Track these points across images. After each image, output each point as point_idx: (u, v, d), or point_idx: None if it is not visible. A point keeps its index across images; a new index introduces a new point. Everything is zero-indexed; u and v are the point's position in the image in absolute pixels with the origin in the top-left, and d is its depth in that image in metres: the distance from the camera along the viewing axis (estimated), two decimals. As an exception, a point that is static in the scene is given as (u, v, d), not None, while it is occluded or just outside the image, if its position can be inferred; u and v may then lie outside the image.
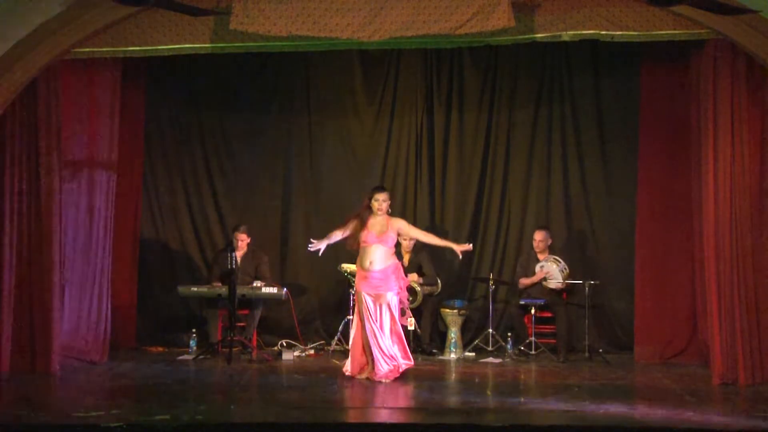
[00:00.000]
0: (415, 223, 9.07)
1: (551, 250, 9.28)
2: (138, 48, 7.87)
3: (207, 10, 7.41)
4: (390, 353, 7.49)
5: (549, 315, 9.19)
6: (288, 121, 10.07)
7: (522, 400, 6.94)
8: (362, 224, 7.63)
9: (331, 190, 9.95)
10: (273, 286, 9.04)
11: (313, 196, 9.99)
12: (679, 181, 8.76)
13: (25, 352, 7.78)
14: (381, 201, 7.65)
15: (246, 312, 9.18)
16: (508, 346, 9.04)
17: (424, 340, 9.18)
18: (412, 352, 7.83)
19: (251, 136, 10.03)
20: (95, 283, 8.50)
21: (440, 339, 9.43)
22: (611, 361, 8.72)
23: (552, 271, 9.06)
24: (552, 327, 9.17)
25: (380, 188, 7.86)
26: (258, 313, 9.18)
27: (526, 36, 7.69)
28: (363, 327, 7.58)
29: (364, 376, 7.55)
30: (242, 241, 9.30)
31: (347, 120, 10.06)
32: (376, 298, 7.55)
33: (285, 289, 9.05)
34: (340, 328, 9.21)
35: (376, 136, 10.01)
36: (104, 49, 7.88)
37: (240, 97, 10.01)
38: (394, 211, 7.96)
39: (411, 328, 8.65)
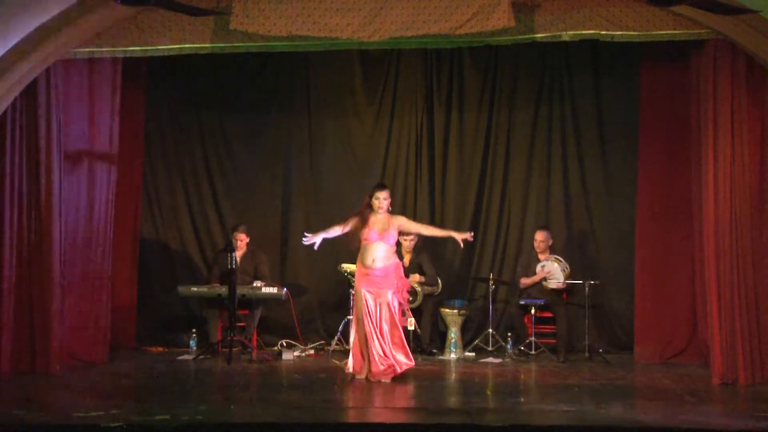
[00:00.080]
0: (414, 222, 9.07)
1: (552, 250, 9.28)
2: (138, 48, 7.88)
3: (207, 10, 7.42)
4: (385, 353, 7.46)
5: (549, 315, 9.19)
6: (288, 121, 10.07)
7: (522, 400, 6.95)
8: (363, 222, 7.62)
9: (331, 190, 9.95)
10: (273, 286, 9.04)
11: (313, 196, 9.99)
12: (679, 181, 8.75)
13: (25, 352, 7.77)
14: (381, 199, 7.65)
15: (246, 312, 9.18)
16: (508, 346, 9.04)
17: (424, 340, 9.18)
18: (412, 352, 7.81)
19: (251, 136, 10.03)
20: (95, 283, 8.49)
21: (440, 339, 9.43)
22: (611, 361, 8.72)
23: (553, 271, 9.06)
24: (552, 327, 9.17)
25: (380, 186, 7.84)
26: (258, 313, 9.18)
27: (526, 36, 7.69)
28: (360, 325, 7.56)
29: (362, 376, 7.55)
30: (241, 241, 9.29)
31: (347, 120, 10.06)
32: (377, 296, 7.53)
33: (285, 289, 9.05)
34: (340, 328, 9.21)
35: (376, 136, 10.02)
36: (104, 49, 7.89)
37: (240, 97, 10.01)
38: (394, 211, 7.95)
39: (411, 328, 8.64)
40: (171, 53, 7.93)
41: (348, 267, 8.84)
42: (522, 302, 9.19)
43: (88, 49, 7.86)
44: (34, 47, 7.55)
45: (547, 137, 9.79)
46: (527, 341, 9.07)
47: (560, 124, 9.75)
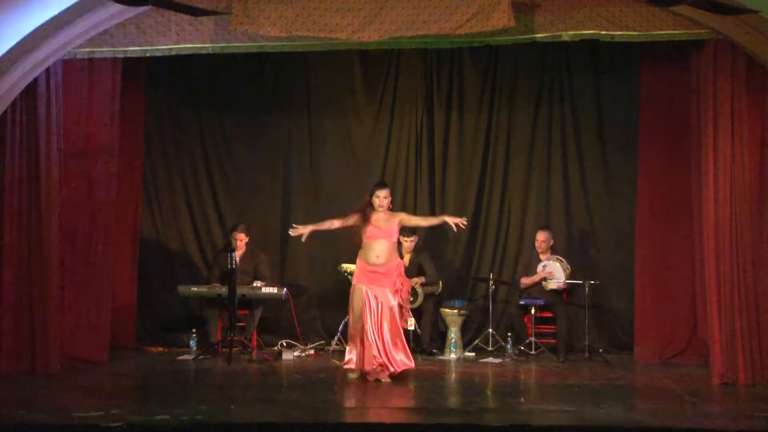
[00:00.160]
0: (414, 223, 9.06)
1: (553, 250, 9.28)
2: (138, 48, 7.89)
3: (207, 10, 7.41)
4: (379, 352, 7.43)
5: (549, 315, 9.19)
6: (288, 121, 10.07)
7: (522, 400, 6.95)
8: (365, 220, 7.60)
9: (331, 190, 9.94)
10: (273, 286, 9.04)
11: (313, 196, 9.99)
12: (679, 181, 8.75)
13: (25, 352, 7.78)
14: (382, 197, 7.63)
15: (246, 312, 9.17)
16: (508, 346, 9.04)
17: (424, 340, 9.18)
18: (412, 352, 7.81)
19: (251, 136, 10.03)
20: (95, 283, 8.49)
21: (440, 339, 9.43)
22: (611, 361, 8.72)
23: (555, 271, 9.05)
24: (552, 327, 9.17)
25: (381, 185, 7.82)
26: (258, 313, 9.18)
27: (526, 36, 7.70)
28: (357, 321, 7.54)
29: (356, 371, 7.55)
30: (241, 240, 9.29)
31: (347, 120, 10.06)
32: (379, 294, 7.50)
33: (285, 289, 9.05)
34: (340, 328, 9.20)
35: (376, 136, 10.01)
36: (104, 49, 7.89)
37: (240, 97, 10.01)
38: (394, 210, 7.93)
39: (411, 328, 8.65)
40: (171, 53, 7.93)
41: (348, 267, 8.84)
42: (522, 302, 9.18)
43: (88, 49, 7.86)
44: (34, 47, 7.56)
45: (547, 137, 9.78)
46: (527, 341, 9.07)
47: (560, 124, 9.75)
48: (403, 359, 7.52)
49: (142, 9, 7.58)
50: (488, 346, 9.20)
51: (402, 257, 8.76)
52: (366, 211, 7.64)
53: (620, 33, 7.63)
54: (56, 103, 7.96)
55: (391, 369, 7.44)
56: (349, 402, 7.02)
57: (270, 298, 9.06)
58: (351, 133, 10.07)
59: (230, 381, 7.73)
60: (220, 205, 10.03)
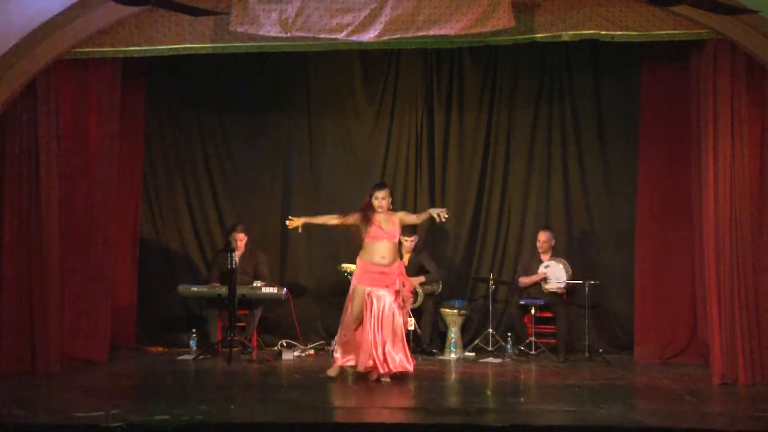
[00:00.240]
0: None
1: (554, 250, 9.27)
2: (138, 48, 7.89)
3: (207, 10, 7.42)
4: (378, 354, 7.42)
5: (549, 315, 9.19)
6: (288, 121, 10.07)
7: (522, 400, 6.95)
8: (367, 221, 7.59)
9: (331, 190, 9.94)
10: (273, 286, 9.04)
11: (313, 196, 9.98)
12: (679, 181, 8.75)
13: (25, 352, 7.78)
14: (380, 198, 7.61)
15: (246, 312, 9.17)
16: (508, 346, 9.04)
17: (424, 340, 9.18)
18: (412, 352, 7.81)
19: (251, 136, 10.03)
20: (95, 283, 8.48)
21: (440, 339, 9.43)
22: (611, 361, 8.72)
23: (558, 272, 9.04)
24: (552, 327, 9.17)
25: (379, 186, 7.79)
26: (258, 313, 9.18)
27: (526, 36, 7.70)
28: (353, 322, 7.54)
29: (348, 366, 7.57)
30: (240, 240, 9.29)
31: (347, 120, 10.06)
32: (380, 295, 7.49)
33: (285, 289, 9.05)
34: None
35: (376, 136, 10.01)
36: (104, 49, 7.90)
37: (240, 97, 10.01)
38: (394, 210, 7.92)
39: (411, 328, 8.64)
40: (171, 53, 7.94)
41: (348, 267, 8.83)
42: (522, 302, 9.18)
43: (88, 49, 7.87)
44: (34, 47, 7.56)
45: (547, 137, 9.78)
46: (527, 341, 9.07)
47: (560, 124, 9.75)
48: (402, 361, 7.48)
49: (142, 9, 7.58)
50: (488, 346, 9.20)
51: (401, 257, 8.76)
52: (367, 212, 7.63)
53: (620, 33, 7.63)
54: (56, 103, 7.96)
55: (387, 369, 7.42)
56: (349, 402, 7.01)
57: (270, 298, 9.06)
58: (351, 133, 10.07)
59: (230, 381, 7.73)
60: (220, 205, 10.02)
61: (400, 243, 8.41)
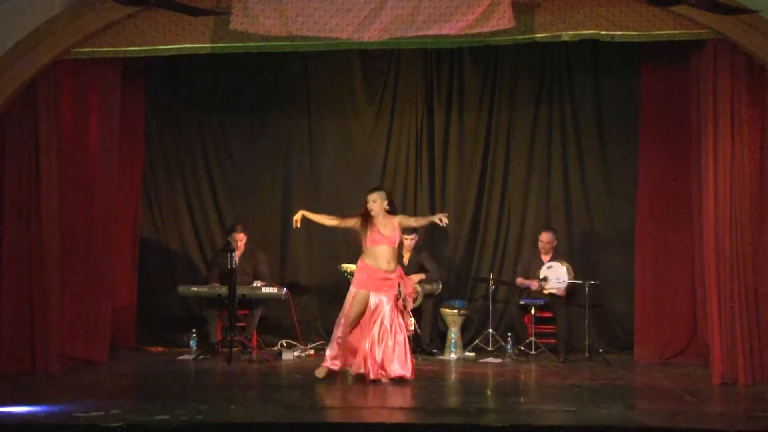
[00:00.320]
0: (414, 223, 9.05)
1: (555, 251, 9.27)
2: (138, 48, 7.89)
3: (207, 10, 7.42)
4: (373, 358, 7.39)
5: (549, 315, 9.19)
6: (288, 121, 10.07)
7: (522, 400, 6.95)
8: (368, 224, 7.56)
9: (331, 190, 9.94)
10: (273, 286, 9.04)
11: (313, 196, 9.97)
12: (679, 181, 8.75)
13: (25, 352, 7.78)
14: (370, 202, 7.58)
15: (246, 312, 9.17)
16: (508, 346, 9.04)
17: (424, 340, 9.18)
18: (412, 352, 7.79)
19: (251, 136, 10.04)
20: (95, 283, 8.49)
21: (440, 339, 9.43)
22: (611, 361, 8.72)
23: (561, 274, 9.03)
24: (552, 327, 9.17)
25: (371, 189, 7.75)
26: (258, 313, 9.18)
27: (526, 36, 7.69)
28: (349, 325, 7.53)
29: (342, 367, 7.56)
30: (240, 240, 9.29)
31: (347, 120, 10.06)
32: (383, 300, 7.47)
33: (285, 289, 9.05)
34: (340, 328, 9.20)
35: (376, 136, 10.01)
36: (104, 49, 7.89)
37: (240, 97, 10.01)
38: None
39: (411, 328, 8.64)
40: (171, 53, 7.93)
41: (348, 267, 8.83)
42: (522, 302, 9.18)
43: (88, 49, 7.86)
44: (34, 47, 7.56)
45: (547, 137, 9.78)
46: (527, 341, 9.07)
47: (560, 124, 9.75)
48: (399, 369, 7.42)
49: (141, 9, 7.58)
50: (488, 346, 9.20)
51: (401, 257, 8.76)
52: (366, 216, 7.60)
53: (620, 33, 7.63)
54: (56, 103, 7.95)
55: (385, 373, 7.40)
56: (349, 402, 7.01)
57: (270, 298, 9.06)
58: (351, 133, 10.06)
59: (230, 381, 7.73)
60: (220, 205, 10.03)
61: (400, 244, 8.40)
